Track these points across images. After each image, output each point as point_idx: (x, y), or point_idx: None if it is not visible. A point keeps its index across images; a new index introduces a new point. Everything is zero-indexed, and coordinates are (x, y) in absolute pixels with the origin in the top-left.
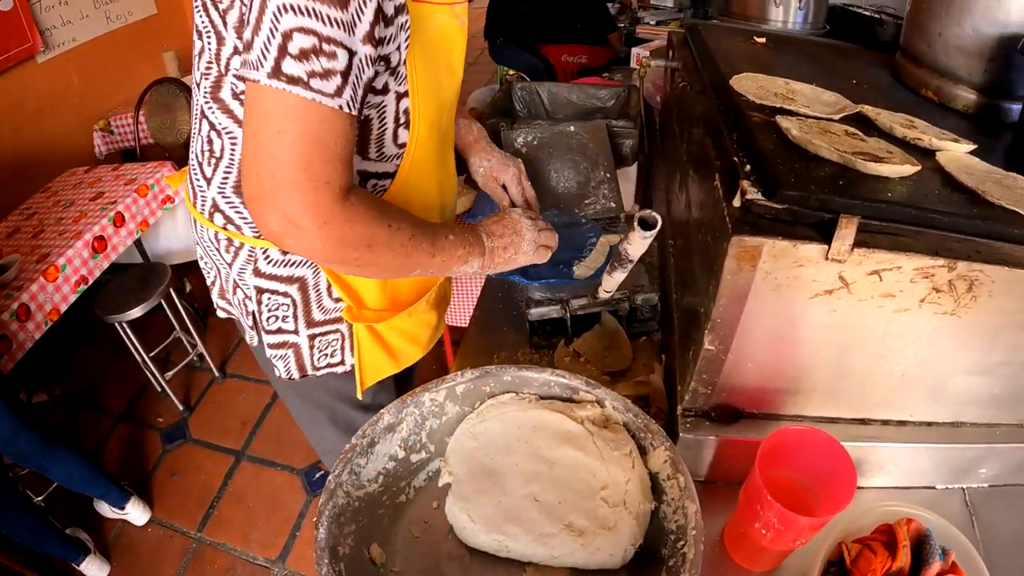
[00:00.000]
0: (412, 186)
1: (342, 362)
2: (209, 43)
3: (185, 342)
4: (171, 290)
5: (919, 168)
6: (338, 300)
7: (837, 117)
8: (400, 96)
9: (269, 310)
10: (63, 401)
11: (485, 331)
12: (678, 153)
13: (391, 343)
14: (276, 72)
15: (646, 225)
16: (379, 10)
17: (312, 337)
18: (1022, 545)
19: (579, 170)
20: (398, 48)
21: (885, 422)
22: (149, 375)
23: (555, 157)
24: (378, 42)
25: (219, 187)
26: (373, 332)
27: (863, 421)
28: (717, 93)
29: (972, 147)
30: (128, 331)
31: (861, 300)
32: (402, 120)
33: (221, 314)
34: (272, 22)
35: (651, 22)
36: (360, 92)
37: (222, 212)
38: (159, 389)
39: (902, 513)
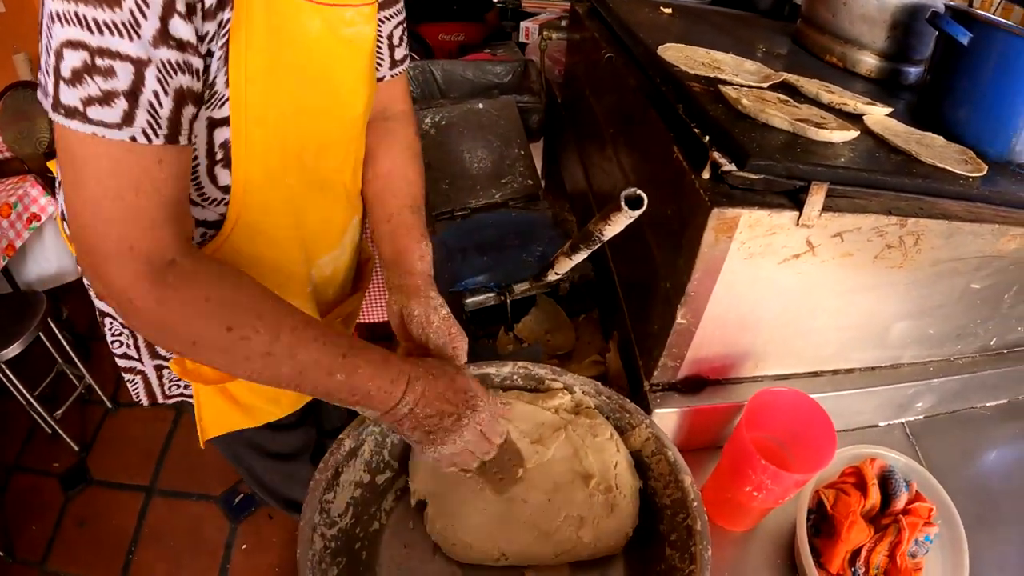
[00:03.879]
0: (248, 250)
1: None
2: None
3: (70, 375)
4: (48, 320)
5: (858, 133)
6: None
7: (766, 85)
8: (215, 124)
9: (112, 334)
10: None
11: None
12: (597, 126)
13: (241, 399)
14: (56, 103)
15: (634, 204)
16: None
17: (159, 368)
18: (960, 464)
19: (492, 149)
20: (217, 55)
21: (835, 372)
22: (36, 416)
23: (466, 137)
24: (185, 43)
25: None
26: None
27: (816, 374)
28: (648, 64)
29: (890, 110)
30: (6, 371)
31: (823, 261)
32: (218, 156)
33: None
34: (47, 37)
35: None
36: (176, 110)
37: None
38: (49, 431)
39: (865, 454)
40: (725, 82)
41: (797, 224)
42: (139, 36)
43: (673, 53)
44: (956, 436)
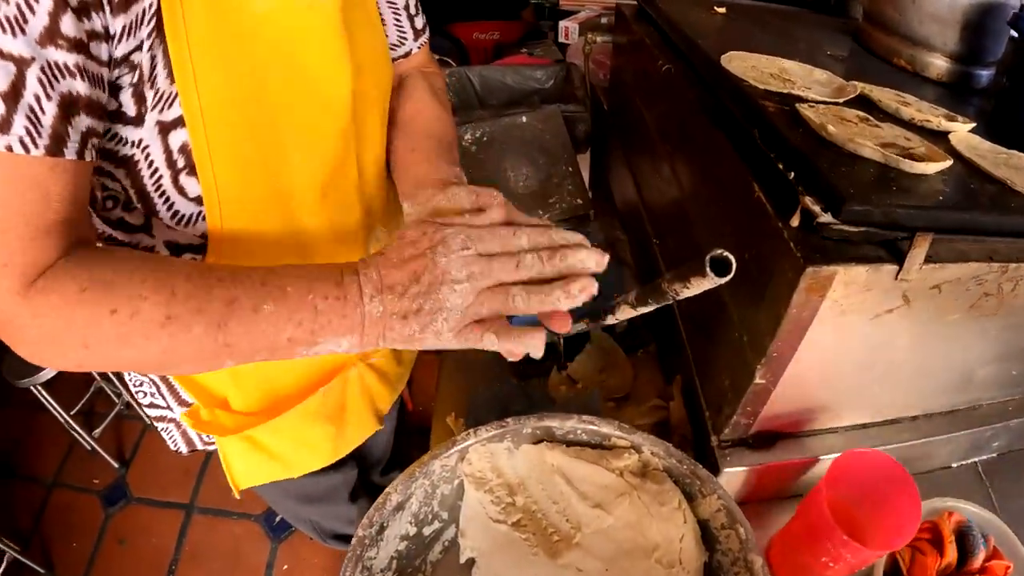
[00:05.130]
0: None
1: None
2: None
3: (108, 391)
4: None
5: (951, 162)
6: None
7: (842, 101)
8: (167, 127)
9: (134, 385)
10: None
11: (459, 363)
12: (649, 139)
13: (270, 447)
14: None
15: (721, 269)
16: None
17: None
18: None
19: (538, 166)
20: (147, 49)
21: (913, 418)
22: (75, 434)
23: (509, 154)
24: (78, 42)
25: None
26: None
27: (894, 422)
28: (712, 78)
29: (972, 125)
30: (44, 393)
31: (918, 314)
32: (180, 163)
33: None
34: None
35: None
36: (62, 119)
37: None
38: (89, 448)
39: (942, 508)
40: (799, 98)
41: (896, 278)
42: (24, 33)
43: (738, 64)
44: None
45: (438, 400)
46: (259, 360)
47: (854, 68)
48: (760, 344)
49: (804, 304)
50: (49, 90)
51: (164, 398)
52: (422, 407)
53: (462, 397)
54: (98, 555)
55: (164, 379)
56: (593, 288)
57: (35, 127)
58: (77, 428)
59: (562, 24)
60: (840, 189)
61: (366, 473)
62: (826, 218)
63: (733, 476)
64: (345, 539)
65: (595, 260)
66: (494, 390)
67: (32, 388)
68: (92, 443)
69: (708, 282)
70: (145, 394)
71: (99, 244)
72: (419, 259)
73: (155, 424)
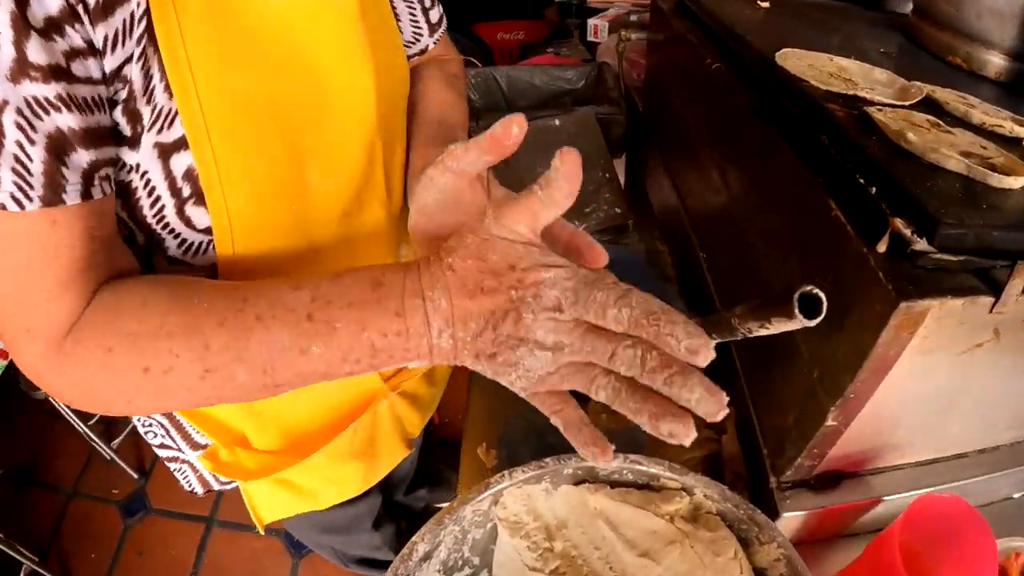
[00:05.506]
0: None
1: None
2: None
3: None
4: None
5: None
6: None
7: (907, 104)
8: (168, 150)
9: (143, 426)
10: (8, 480)
11: (490, 389)
12: (692, 143)
13: (298, 483)
14: None
15: (810, 310)
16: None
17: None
18: None
19: None
20: (137, 59)
21: (981, 451)
22: (94, 444)
23: (541, 159)
24: (56, 68)
25: None
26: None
27: (961, 456)
28: (768, 77)
29: None
30: (60, 406)
31: (1005, 348)
32: (185, 191)
33: None
34: None
35: None
36: (53, 163)
37: None
38: (108, 457)
39: (1010, 548)
40: (865, 101)
41: (991, 311)
42: None
43: (794, 62)
44: None
45: (467, 427)
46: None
47: (905, 66)
48: (836, 384)
49: (892, 342)
50: (31, 133)
51: (175, 441)
52: (448, 419)
53: (493, 425)
54: (117, 567)
55: (173, 421)
56: (686, 439)
57: (23, 180)
58: (95, 438)
59: (591, 22)
60: (928, 208)
61: (389, 492)
62: (922, 245)
63: (792, 520)
64: (367, 563)
65: (709, 408)
66: (528, 418)
67: (49, 399)
68: (111, 453)
69: (795, 324)
70: (155, 435)
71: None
72: (500, 300)
73: (167, 464)
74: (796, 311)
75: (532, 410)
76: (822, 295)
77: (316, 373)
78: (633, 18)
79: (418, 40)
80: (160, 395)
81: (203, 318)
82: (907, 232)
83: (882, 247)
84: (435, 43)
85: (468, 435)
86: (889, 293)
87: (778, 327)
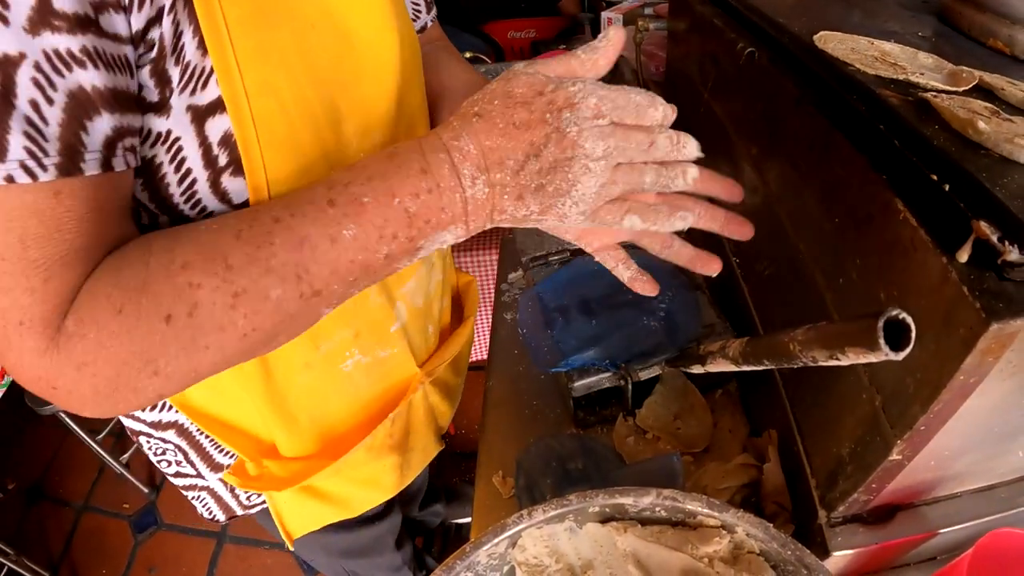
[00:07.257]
0: None
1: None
2: None
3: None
4: None
5: None
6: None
7: (961, 90)
8: (202, 113)
9: (156, 454)
10: (19, 496)
11: (506, 405)
12: (724, 138)
13: (330, 492)
14: None
15: (896, 340)
16: None
17: (225, 480)
18: None
19: None
20: (167, 12)
21: None
22: (104, 458)
23: None
24: (84, 18)
25: None
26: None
27: (1019, 480)
28: (812, 62)
29: None
30: (68, 418)
31: None
32: (221, 160)
33: None
34: None
35: None
36: (72, 125)
37: None
38: (118, 472)
39: None
40: (917, 86)
41: None
42: (6, 21)
43: (835, 46)
44: None
45: (481, 452)
46: (362, 289)
47: (942, 50)
48: (904, 414)
49: (975, 368)
50: (50, 91)
51: (193, 465)
52: (463, 430)
53: (510, 450)
54: None
55: (192, 441)
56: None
57: (37, 146)
58: (105, 454)
59: (604, 15)
60: (1013, 210)
61: (404, 508)
62: (1015, 254)
63: (841, 559)
64: None
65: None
66: (548, 444)
67: (58, 414)
68: (121, 468)
69: (877, 356)
70: (170, 463)
71: None
72: (537, 126)
73: (185, 494)
74: (882, 342)
75: (550, 434)
76: (910, 322)
77: (355, 265)
78: (648, 11)
79: (418, 17)
80: (191, 348)
81: (217, 236)
82: (995, 239)
83: (963, 256)
84: (431, 21)
85: (482, 462)
86: (977, 312)
87: (853, 358)
